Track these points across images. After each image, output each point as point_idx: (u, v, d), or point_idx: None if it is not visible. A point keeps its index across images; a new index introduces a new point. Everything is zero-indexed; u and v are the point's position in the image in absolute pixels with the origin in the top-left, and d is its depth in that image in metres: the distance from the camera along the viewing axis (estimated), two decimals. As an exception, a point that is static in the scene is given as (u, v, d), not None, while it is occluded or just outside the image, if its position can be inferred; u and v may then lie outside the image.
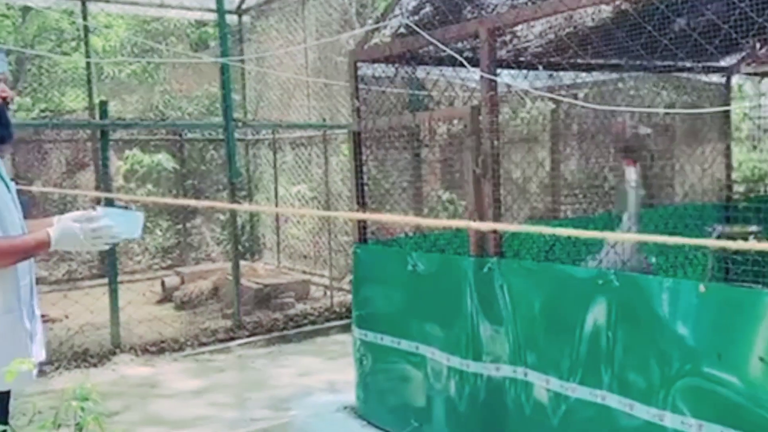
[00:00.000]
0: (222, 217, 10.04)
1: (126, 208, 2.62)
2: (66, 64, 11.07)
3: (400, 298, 4.29)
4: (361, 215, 4.46)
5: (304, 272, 8.97)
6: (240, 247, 9.02)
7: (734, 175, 6.52)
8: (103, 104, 6.38)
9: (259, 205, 10.24)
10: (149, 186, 10.43)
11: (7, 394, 2.61)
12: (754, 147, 6.39)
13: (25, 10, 10.40)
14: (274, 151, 9.66)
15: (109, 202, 6.32)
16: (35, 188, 8.46)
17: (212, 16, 7.30)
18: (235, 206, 6.84)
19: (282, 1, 9.12)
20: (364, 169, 4.58)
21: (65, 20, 10.66)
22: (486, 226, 3.48)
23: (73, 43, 11.93)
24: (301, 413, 4.85)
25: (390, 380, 4.38)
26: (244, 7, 9.39)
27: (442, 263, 4.02)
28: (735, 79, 6.27)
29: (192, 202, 6.80)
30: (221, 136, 7.33)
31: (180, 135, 10.21)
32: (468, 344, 3.80)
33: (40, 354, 2.62)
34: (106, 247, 2.57)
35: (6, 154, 2.81)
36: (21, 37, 12.21)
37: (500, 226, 3.41)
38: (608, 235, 3.77)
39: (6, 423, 2.65)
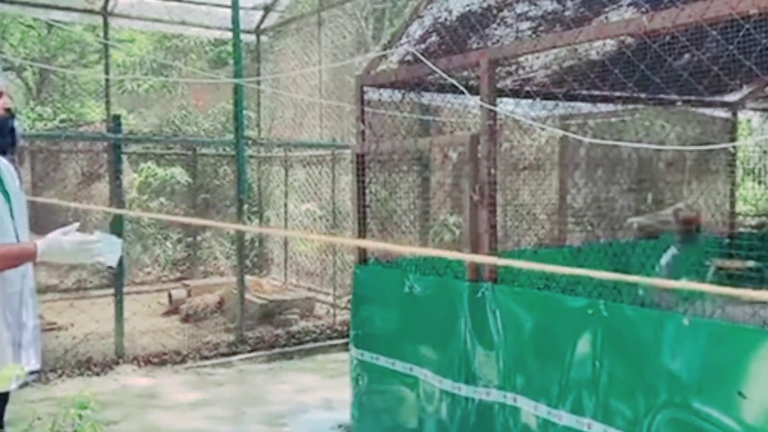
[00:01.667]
0: (232, 232, 10.14)
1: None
2: (86, 77, 11.33)
3: (397, 320, 4.35)
4: (357, 242, 4.53)
5: (310, 289, 9.04)
6: (248, 262, 9.11)
7: (746, 208, 6.52)
8: (117, 118, 6.51)
9: (269, 223, 10.34)
10: (162, 199, 10.59)
11: (3, 397, 2.68)
12: (760, 182, 6.41)
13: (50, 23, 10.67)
14: (285, 168, 9.78)
15: (118, 217, 6.45)
16: (40, 199, 8.60)
17: (231, 35, 7.48)
18: (237, 226, 6.94)
19: (300, 22, 9.31)
20: (367, 190, 4.67)
21: (89, 33, 10.92)
22: (474, 258, 3.55)
23: (96, 55, 12.21)
24: (296, 430, 4.90)
25: (384, 401, 4.42)
26: (262, 27, 9.59)
27: (437, 286, 4.08)
28: (742, 114, 6.29)
29: (198, 221, 6.89)
30: (233, 152, 7.46)
31: (194, 150, 10.39)
32: (460, 368, 3.84)
33: (30, 363, 2.66)
34: (90, 261, 2.64)
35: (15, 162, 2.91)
36: (46, 49, 12.53)
37: (487, 260, 3.47)
38: (582, 272, 3.80)
39: (1, 427, 2.71)
